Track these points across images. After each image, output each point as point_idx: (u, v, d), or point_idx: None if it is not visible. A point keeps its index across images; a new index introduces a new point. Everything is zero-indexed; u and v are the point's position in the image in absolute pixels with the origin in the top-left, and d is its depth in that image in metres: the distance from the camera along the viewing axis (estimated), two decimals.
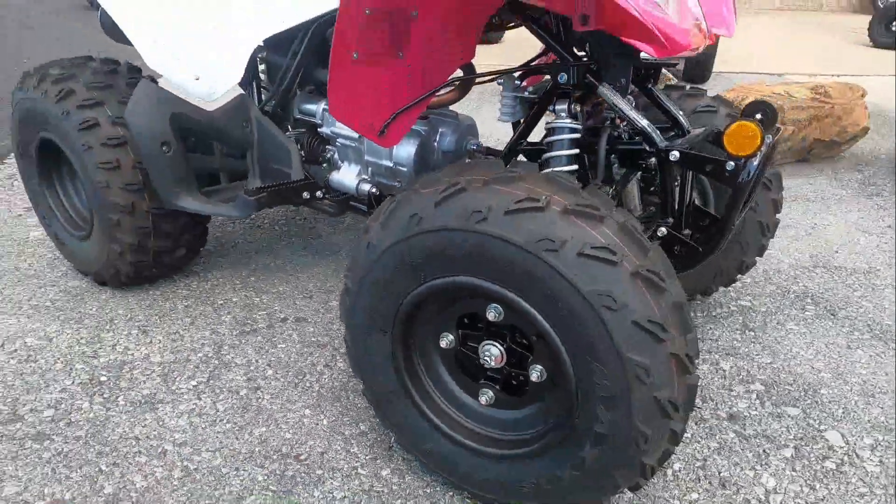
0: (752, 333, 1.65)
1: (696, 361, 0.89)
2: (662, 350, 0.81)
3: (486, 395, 1.03)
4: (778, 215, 1.58)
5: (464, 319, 1.02)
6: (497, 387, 1.03)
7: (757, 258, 1.63)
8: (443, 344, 1.02)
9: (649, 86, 1.30)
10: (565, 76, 1.13)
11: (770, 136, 1.16)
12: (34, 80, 1.51)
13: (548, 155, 1.18)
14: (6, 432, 1.21)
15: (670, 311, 0.83)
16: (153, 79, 1.47)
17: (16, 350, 1.46)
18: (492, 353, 0.99)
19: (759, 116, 1.22)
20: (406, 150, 1.45)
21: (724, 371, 1.50)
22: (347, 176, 1.54)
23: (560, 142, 1.17)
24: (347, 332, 1.08)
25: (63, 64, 1.53)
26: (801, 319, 1.72)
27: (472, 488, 1.06)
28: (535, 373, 0.94)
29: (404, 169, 1.46)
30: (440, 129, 1.49)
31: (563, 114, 1.17)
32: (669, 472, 1.19)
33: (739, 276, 1.65)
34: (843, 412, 1.38)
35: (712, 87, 4.70)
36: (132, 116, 1.39)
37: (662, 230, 1.19)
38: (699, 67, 4.79)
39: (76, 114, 1.42)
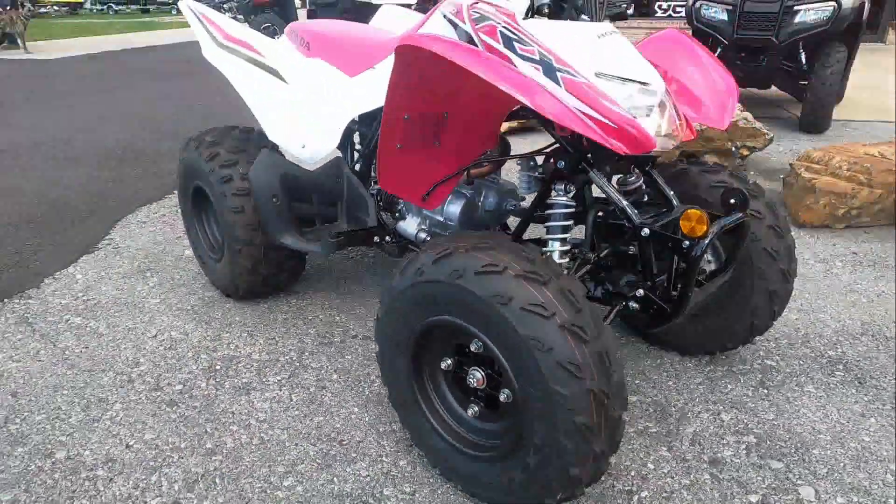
0: (766, 391, 1.77)
1: (622, 399, 1.13)
2: (580, 385, 1.07)
3: (473, 409, 1.33)
4: (790, 284, 1.71)
5: (459, 347, 1.34)
6: (481, 403, 1.33)
7: (771, 321, 1.76)
8: (443, 366, 1.34)
9: (647, 168, 1.54)
10: (563, 163, 1.42)
11: (731, 219, 1.36)
12: (195, 143, 2.07)
13: (547, 224, 1.47)
14: (151, 397, 1.72)
15: (591, 357, 1.09)
16: (273, 147, 1.97)
17: (163, 340, 2.00)
18: (475, 376, 1.29)
19: (732, 201, 1.42)
20: (454, 208, 1.80)
21: (723, 421, 1.65)
22: (410, 225, 1.91)
23: (556, 215, 1.45)
24: (378, 351, 1.44)
25: (214, 132, 2.08)
26: (823, 384, 1.80)
27: (458, 481, 1.37)
28: (503, 394, 1.23)
29: (452, 223, 1.81)
30: (484, 192, 1.83)
31: (560, 193, 1.45)
32: (636, 497, 1.40)
33: (753, 337, 1.79)
34: (827, 471, 1.48)
35: (827, 137, 4.55)
36: (254, 175, 1.89)
37: (640, 292, 1.42)
38: (817, 116, 4.66)
39: (218, 171, 1.95)
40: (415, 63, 1.25)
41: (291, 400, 1.71)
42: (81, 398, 1.71)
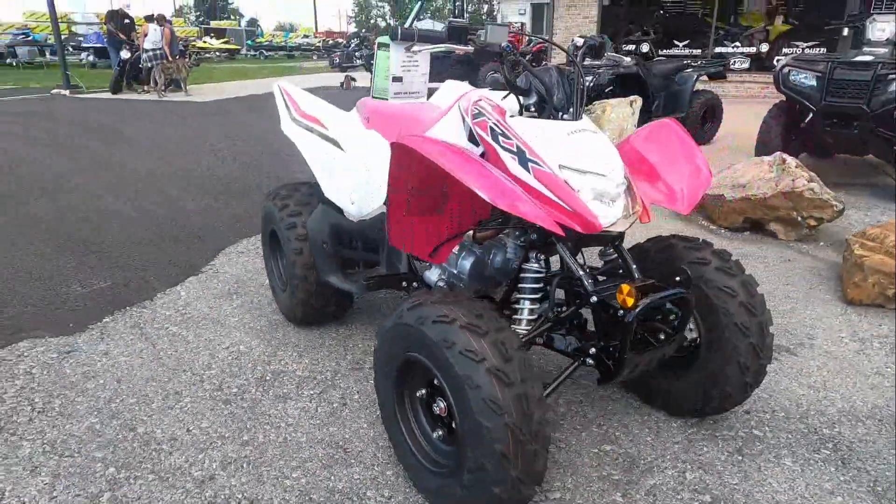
0: (740, 458, 1.87)
1: (541, 436, 1.37)
2: (500, 420, 1.33)
3: (438, 433, 1.62)
4: (762, 360, 1.82)
5: (430, 380, 1.64)
6: (445, 428, 1.61)
7: (745, 393, 1.88)
8: (418, 394, 1.65)
9: (617, 244, 1.77)
10: (535, 235, 1.70)
11: (665, 294, 1.56)
12: (272, 195, 2.57)
13: (519, 286, 1.74)
14: (212, 395, 2.17)
15: (512, 398, 1.34)
16: (328, 202, 2.41)
17: (233, 351, 2.47)
18: (440, 405, 1.58)
19: (677, 279, 1.62)
20: (465, 263, 2.10)
21: (685, 479, 1.79)
22: (433, 275, 2.25)
23: (527, 279, 1.72)
24: (375, 377, 1.77)
25: (288, 187, 2.56)
26: (802, 458, 1.87)
27: (425, 492, 1.65)
28: (454, 422, 1.51)
29: (464, 277, 2.12)
30: (492, 252, 2.12)
31: (533, 261, 1.73)
32: None
33: (729, 406, 1.91)
34: None
35: None
36: (309, 224, 2.33)
37: (593, 350, 1.64)
38: None
39: (286, 219, 2.42)
40: (411, 155, 1.60)
41: (317, 411, 2.09)
42: (164, 389, 2.20)
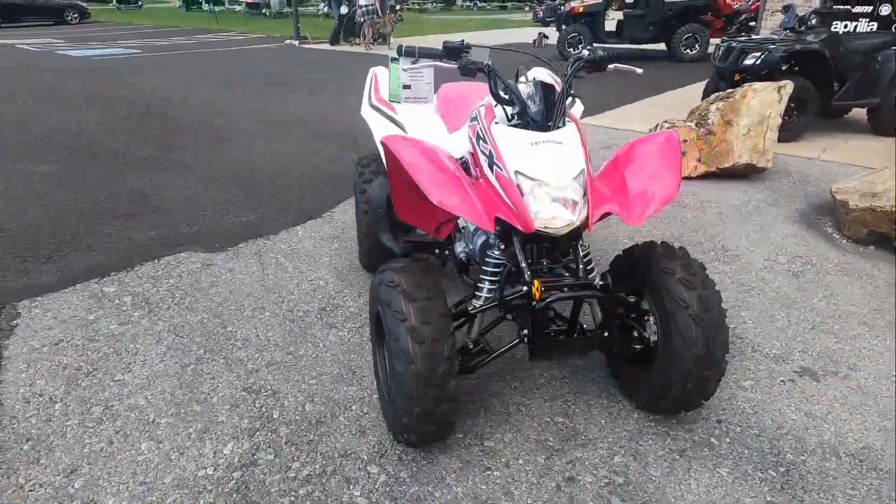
0: (678, 457, 2.01)
1: (445, 389, 1.74)
2: (410, 368, 1.73)
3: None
4: (707, 374, 1.92)
5: None
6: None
7: (699, 398, 2.00)
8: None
9: (575, 243, 1.97)
10: (498, 228, 2.00)
11: (563, 295, 1.78)
12: (358, 163, 3.12)
13: (483, 268, 2.06)
14: (286, 315, 2.84)
15: (421, 352, 1.72)
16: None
17: (313, 282, 3.13)
18: None
19: (600, 283, 1.81)
20: (477, 241, 2.44)
21: (611, 461, 2.00)
22: (460, 246, 2.62)
23: (488, 264, 2.03)
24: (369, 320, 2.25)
25: (368, 157, 3.08)
26: (741, 473, 1.95)
27: (382, 410, 2.11)
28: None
29: (476, 252, 2.47)
30: (490, 236, 2.42)
31: (494, 249, 2.03)
32: (493, 472, 1.94)
33: (678, 409, 2.04)
34: None
35: None
36: (371, 190, 2.83)
37: (525, 331, 1.92)
38: None
39: (360, 185, 2.96)
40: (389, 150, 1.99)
41: (349, 341, 2.65)
42: (255, 303, 2.94)
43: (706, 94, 6.32)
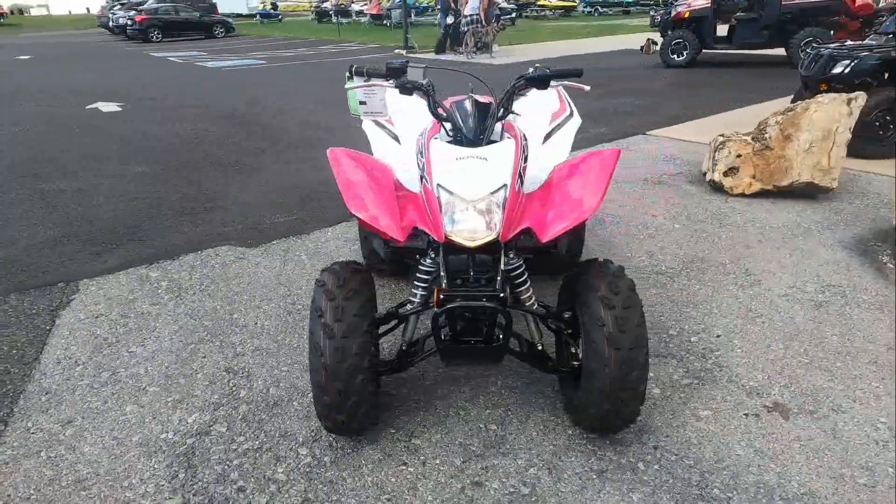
0: (594, 476, 2.00)
1: (351, 382, 1.89)
2: (320, 360, 1.90)
3: None
4: (622, 395, 1.89)
5: None
6: None
7: (615, 420, 1.98)
8: None
9: (498, 255, 2.03)
10: (426, 241, 2.11)
11: (458, 305, 1.87)
12: None
13: (416, 275, 2.17)
14: (287, 307, 3.13)
15: (331, 347, 1.89)
16: None
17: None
18: None
19: (501, 294, 1.86)
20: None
21: (525, 472, 2.03)
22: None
23: (420, 271, 2.14)
24: None
25: None
26: (625, 494, 1.90)
27: None
28: None
29: None
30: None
31: (427, 258, 2.13)
32: (405, 458, 2.06)
33: (601, 429, 2.04)
34: None
35: None
36: None
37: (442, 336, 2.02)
38: None
39: None
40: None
41: None
42: (265, 295, 3.25)
43: None
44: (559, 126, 3.02)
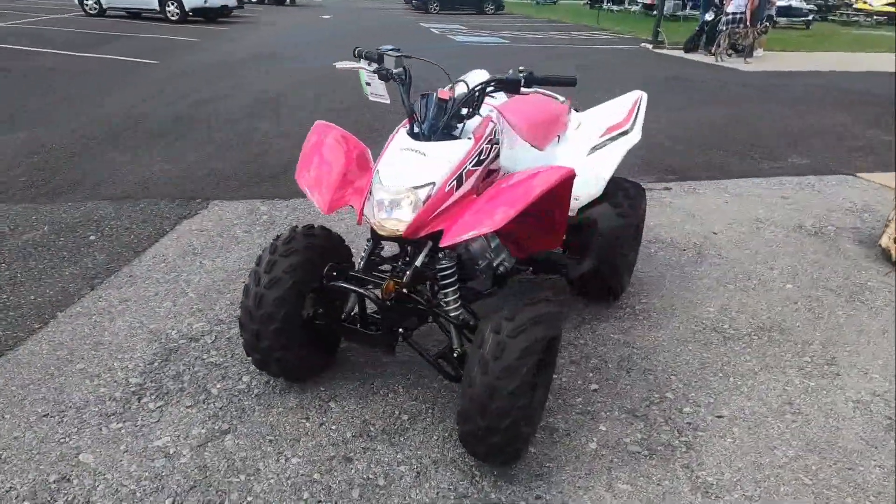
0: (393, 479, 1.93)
1: (267, 330, 2.11)
2: (244, 301, 2.16)
3: None
4: (482, 422, 1.79)
5: None
6: None
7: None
8: None
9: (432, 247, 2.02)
10: None
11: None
12: None
13: None
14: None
15: (252, 291, 2.13)
16: None
17: None
18: None
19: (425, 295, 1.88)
20: None
21: (383, 458, 2.05)
22: None
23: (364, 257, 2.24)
24: None
25: None
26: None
27: None
28: None
29: None
30: None
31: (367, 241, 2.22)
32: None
33: None
34: None
35: None
36: None
37: None
38: None
39: None
40: None
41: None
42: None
43: None
44: (610, 140, 2.77)
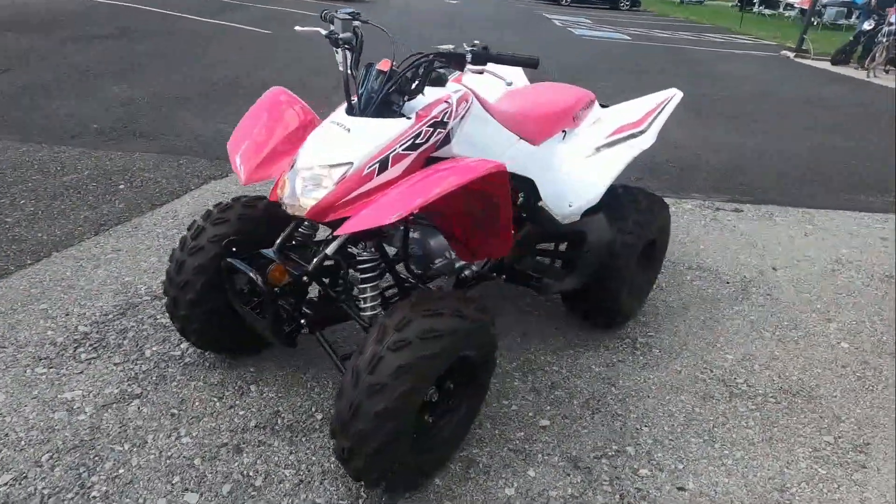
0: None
1: (185, 296, 2.01)
2: (169, 266, 2.07)
3: None
4: (342, 441, 1.56)
5: None
6: None
7: None
8: None
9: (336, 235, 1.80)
10: None
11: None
12: None
13: None
14: None
15: (176, 256, 2.03)
16: None
17: None
18: None
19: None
20: None
21: (276, 456, 1.87)
22: None
23: None
24: None
25: None
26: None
27: None
28: None
29: None
30: None
31: None
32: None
33: None
34: None
35: None
36: None
37: None
38: None
39: None
40: None
41: None
42: None
43: None
44: (618, 142, 2.38)
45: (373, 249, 1.89)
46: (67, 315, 2.51)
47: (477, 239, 1.93)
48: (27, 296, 2.61)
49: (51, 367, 2.20)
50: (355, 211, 1.70)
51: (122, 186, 3.77)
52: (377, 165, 1.73)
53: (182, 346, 2.37)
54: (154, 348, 2.35)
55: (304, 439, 1.98)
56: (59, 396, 2.08)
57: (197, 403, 2.10)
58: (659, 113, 2.45)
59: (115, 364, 2.25)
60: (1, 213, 3.29)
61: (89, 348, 2.32)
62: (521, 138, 2.24)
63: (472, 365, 1.80)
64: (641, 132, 2.37)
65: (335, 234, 1.66)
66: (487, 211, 1.78)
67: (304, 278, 1.82)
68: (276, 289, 1.81)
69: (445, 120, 1.87)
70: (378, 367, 1.52)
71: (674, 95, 2.55)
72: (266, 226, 2.07)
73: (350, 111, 1.84)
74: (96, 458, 1.85)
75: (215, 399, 2.12)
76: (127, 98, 5.68)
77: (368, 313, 1.89)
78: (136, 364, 2.26)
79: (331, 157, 1.72)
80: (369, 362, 1.53)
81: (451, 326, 1.61)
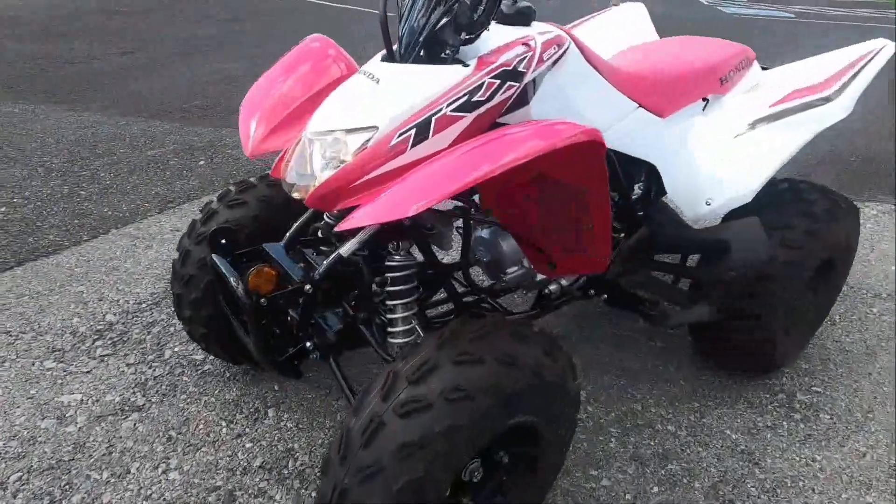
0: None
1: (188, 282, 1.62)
2: (176, 254, 1.68)
3: None
4: None
5: None
6: None
7: None
8: None
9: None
10: None
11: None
12: None
13: None
14: None
15: (183, 243, 1.64)
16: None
17: None
18: None
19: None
20: None
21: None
22: None
23: None
24: None
25: None
26: None
27: None
28: None
29: None
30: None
31: None
32: None
33: None
34: None
35: None
36: None
37: None
38: None
39: None
40: None
41: None
42: None
43: None
44: (788, 113, 1.64)
45: (407, 252, 1.35)
46: (101, 300, 2.25)
47: (558, 247, 1.32)
48: (69, 275, 2.40)
49: (60, 363, 1.93)
50: (374, 197, 1.17)
51: (202, 162, 3.56)
52: (412, 131, 1.18)
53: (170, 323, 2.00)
54: (176, 349, 2.00)
55: (313, 494, 1.51)
56: (55, 399, 1.78)
57: (201, 426, 1.70)
58: (858, 73, 1.65)
59: (127, 365, 1.93)
60: (79, 186, 3.18)
61: (108, 342, 2.02)
62: (639, 106, 1.58)
63: (536, 435, 1.21)
64: (826, 99, 1.60)
65: (336, 229, 1.14)
66: (572, 206, 1.17)
67: (307, 287, 1.31)
68: (262, 299, 1.32)
69: (521, 70, 1.27)
70: (376, 438, 0.99)
71: (883, 48, 1.74)
72: (285, 210, 1.62)
73: (389, 58, 1.30)
74: (66, 487, 1.50)
75: (223, 423, 1.71)
76: (223, 76, 5.57)
77: (398, 340, 1.35)
78: (150, 367, 1.92)
79: (351, 120, 1.21)
80: (365, 429, 1.00)
81: (497, 382, 1.04)
